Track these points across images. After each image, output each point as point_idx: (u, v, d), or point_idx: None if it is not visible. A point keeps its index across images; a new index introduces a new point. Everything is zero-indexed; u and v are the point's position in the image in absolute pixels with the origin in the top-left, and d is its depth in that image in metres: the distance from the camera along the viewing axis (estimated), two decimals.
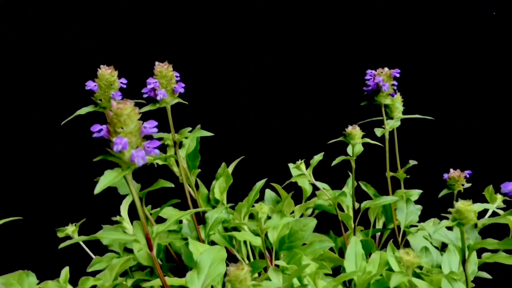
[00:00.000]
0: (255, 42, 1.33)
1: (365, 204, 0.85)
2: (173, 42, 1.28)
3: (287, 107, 1.32)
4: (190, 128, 0.86)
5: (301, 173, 0.89)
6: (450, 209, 0.58)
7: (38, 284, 0.50)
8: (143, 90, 0.71)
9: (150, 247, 0.53)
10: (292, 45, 1.35)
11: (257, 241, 0.78)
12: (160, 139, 0.77)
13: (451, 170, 0.94)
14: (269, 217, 0.89)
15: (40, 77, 1.24)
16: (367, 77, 0.89)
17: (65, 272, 0.54)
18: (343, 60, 1.34)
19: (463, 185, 0.92)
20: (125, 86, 0.73)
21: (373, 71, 0.89)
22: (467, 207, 0.56)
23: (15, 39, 1.25)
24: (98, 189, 0.48)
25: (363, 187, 1.00)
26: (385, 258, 0.80)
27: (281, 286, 0.63)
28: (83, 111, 0.70)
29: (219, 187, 0.94)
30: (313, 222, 0.86)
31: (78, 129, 0.89)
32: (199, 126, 0.89)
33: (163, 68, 0.71)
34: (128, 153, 0.50)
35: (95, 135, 0.51)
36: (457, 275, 0.75)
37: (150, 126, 0.52)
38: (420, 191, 1.03)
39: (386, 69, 0.89)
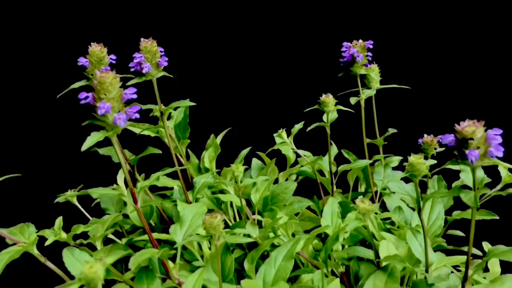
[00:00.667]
0: (237, 15, 1.38)
1: (342, 167, 0.92)
2: (160, 20, 1.34)
3: (274, 80, 1.38)
4: (182, 102, 0.93)
5: (283, 141, 0.96)
6: (404, 163, 0.64)
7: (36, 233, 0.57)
8: (130, 64, 0.78)
9: (135, 200, 0.61)
10: (275, 19, 1.41)
11: (238, 201, 0.85)
12: (137, 106, 0.84)
13: (425, 135, 1.00)
14: (254, 184, 0.96)
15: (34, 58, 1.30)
16: (343, 49, 0.95)
17: (59, 221, 0.61)
18: (329, 35, 1.39)
19: (435, 148, 0.98)
20: (114, 61, 0.79)
21: (349, 43, 0.95)
22: (418, 161, 0.62)
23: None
24: (84, 147, 0.55)
25: (345, 154, 1.06)
26: (359, 216, 0.87)
27: (254, 236, 0.70)
28: (76, 85, 0.77)
29: (208, 156, 1.01)
30: (293, 185, 0.93)
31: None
32: (188, 100, 0.96)
33: (147, 44, 0.77)
34: (111, 117, 0.57)
35: (82, 101, 0.58)
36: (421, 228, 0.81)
37: (130, 92, 0.59)
38: (400, 157, 1.10)
39: (360, 41, 0.95)
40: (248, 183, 0.78)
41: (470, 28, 1.51)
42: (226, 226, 0.90)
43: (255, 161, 1.05)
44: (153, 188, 1.02)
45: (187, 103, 0.81)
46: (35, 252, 0.54)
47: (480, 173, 0.85)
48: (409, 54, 1.51)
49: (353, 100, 0.93)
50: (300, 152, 0.97)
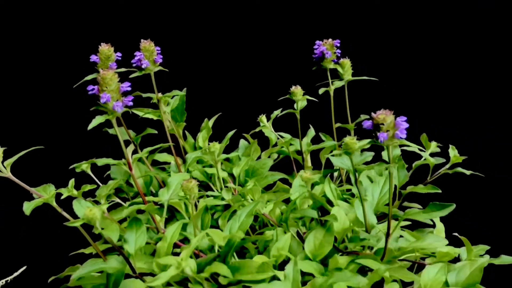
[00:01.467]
0: (229, 10, 1.53)
1: (311, 147, 1.09)
2: (156, 16, 1.49)
3: (260, 72, 1.54)
4: (176, 91, 1.11)
5: (263, 125, 1.13)
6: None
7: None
8: (132, 61, 0.96)
9: (130, 168, 0.79)
10: (267, 14, 1.56)
11: (223, 174, 1.03)
12: (132, 96, 1.03)
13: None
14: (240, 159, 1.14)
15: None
16: (315, 46, 1.11)
17: (71, 181, 0.80)
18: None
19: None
20: (119, 58, 0.98)
21: (320, 42, 1.11)
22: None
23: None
24: (90, 126, 0.73)
25: (322, 137, 1.23)
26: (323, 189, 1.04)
27: (227, 199, 0.88)
28: (89, 77, 0.95)
29: (202, 137, 1.19)
30: (269, 162, 1.10)
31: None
32: (185, 89, 1.14)
33: (146, 44, 0.96)
34: (111, 104, 0.75)
35: (89, 92, 0.77)
36: (370, 198, 0.98)
37: (125, 85, 0.77)
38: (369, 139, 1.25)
39: (330, 40, 1.11)
40: (224, 156, 0.96)
41: (470, 28, 1.60)
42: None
43: (242, 142, 1.23)
44: (156, 163, 1.21)
45: (178, 92, 0.99)
46: (54, 204, 0.73)
47: (396, 151, 1.01)
48: (409, 54, 1.62)
49: (321, 91, 1.09)
50: (278, 134, 1.15)
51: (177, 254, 0.79)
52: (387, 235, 0.82)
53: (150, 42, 0.96)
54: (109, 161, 0.78)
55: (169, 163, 1.17)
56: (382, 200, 1.02)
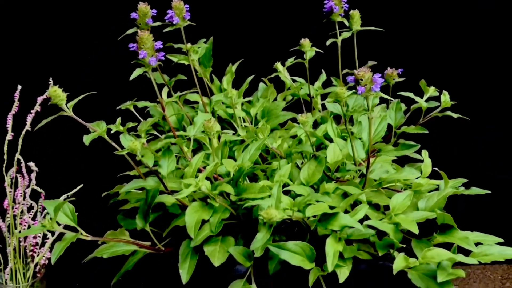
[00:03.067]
0: None
1: (318, 92, 1.27)
2: None
3: (281, 24, 1.66)
4: (204, 40, 1.30)
5: (279, 71, 1.31)
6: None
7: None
8: (165, 17, 1.14)
9: (163, 109, 1.00)
10: None
11: (241, 113, 1.23)
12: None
13: (388, 68, 1.31)
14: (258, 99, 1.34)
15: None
16: (325, 1, 1.26)
17: (118, 120, 1.02)
18: None
19: (394, 79, 1.30)
20: (155, 14, 1.16)
21: None
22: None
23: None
24: (133, 76, 0.94)
25: (334, 81, 1.40)
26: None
27: (242, 135, 1.09)
28: (130, 31, 1.14)
29: (227, 80, 1.38)
30: (282, 103, 1.29)
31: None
32: (211, 38, 1.33)
33: (177, 3, 1.13)
34: (147, 59, 0.95)
35: (131, 48, 0.97)
36: (365, 136, 1.16)
37: (158, 44, 0.96)
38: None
39: None
40: (240, 101, 1.15)
41: (470, 28, 1.62)
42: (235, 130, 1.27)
43: (261, 85, 1.41)
44: (188, 102, 1.41)
45: (203, 44, 1.18)
46: (106, 136, 0.95)
47: (375, 100, 1.18)
48: (409, 54, 1.67)
49: (328, 42, 1.25)
50: (293, 78, 1.32)
51: None
52: (367, 167, 1.01)
53: (180, 1, 1.14)
54: (147, 103, 0.99)
55: (198, 103, 1.37)
56: (375, 139, 1.20)
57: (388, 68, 1.32)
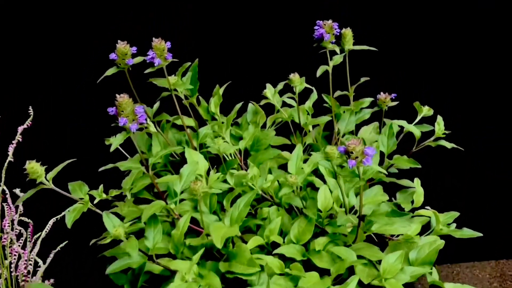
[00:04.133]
0: None
1: (306, 122, 1.23)
2: None
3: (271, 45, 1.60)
4: (188, 63, 1.24)
5: (268, 97, 1.26)
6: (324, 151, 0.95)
7: None
8: (146, 58, 1.08)
9: (147, 169, 0.96)
10: None
11: (230, 149, 1.19)
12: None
13: (381, 93, 1.27)
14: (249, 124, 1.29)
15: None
16: (316, 27, 1.19)
17: (101, 187, 0.99)
18: None
19: (387, 106, 1.26)
20: (135, 51, 1.09)
21: (320, 22, 1.19)
22: (331, 151, 0.93)
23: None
24: (112, 148, 0.89)
25: (325, 98, 1.35)
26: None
27: (231, 184, 1.05)
28: (109, 72, 1.08)
29: (214, 103, 1.33)
30: (272, 133, 1.25)
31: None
32: (196, 61, 1.27)
33: (157, 43, 1.06)
34: (127, 126, 0.90)
35: (110, 113, 0.92)
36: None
37: (139, 109, 0.91)
38: (371, 99, 1.36)
39: (329, 21, 1.18)
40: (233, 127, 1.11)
41: (470, 28, 1.58)
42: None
43: (250, 106, 1.36)
44: (175, 126, 1.36)
45: (187, 78, 1.13)
46: (90, 206, 0.93)
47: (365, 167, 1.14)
48: (408, 54, 1.62)
49: (319, 72, 1.19)
50: (284, 100, 1.27)
51: (194, 232, 0.99)
52: (358, 224, 0.99)
53: (161, 41, 1.07)
54: (131, 166, 0.95)
55: (189, 126, 1.31)
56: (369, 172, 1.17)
57: (381, 93, 1.27)
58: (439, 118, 1.24)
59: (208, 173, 1.14)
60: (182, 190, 1.00)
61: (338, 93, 1.31)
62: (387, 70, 1.33)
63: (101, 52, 1.48)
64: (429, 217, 1.19)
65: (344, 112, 1.31)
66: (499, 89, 1.68)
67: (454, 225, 1.16)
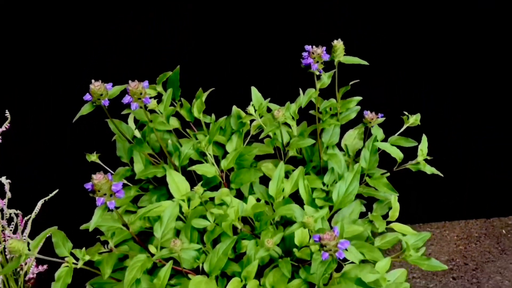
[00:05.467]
0: None
1: (289, 145, 1.21)
2: None
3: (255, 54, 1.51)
4: (169, 72, 1.19)
5: (251, 114, 1.23)
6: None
7: None
8: (123, 101, 1.03)
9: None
10: None
11: (211, 170, 1.20)
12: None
13: (368, 112, 1.24)
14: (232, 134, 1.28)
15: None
16: (304, 54, 1.11)
17: (83, 250, 1.01)
18: None
19: (372, 125, 1.24)
20: (111, 88, 1.04)
21: (309, 48, 1.11)
22: (308, 220, 0.95)
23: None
24: (92, 226, 0.91)
25: (311, 112, 1.30)
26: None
27: (209, 224, 1.09)
28: (85, 111, 1.04)
29: (197, 107, 1.29)
30: (255, 150, 1.24)
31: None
32: (178, 68, 1.21)
33: (133, 87, 1.01)
34: (105, 203, 0.91)
35: (88, 189, 0.91)
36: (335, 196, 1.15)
37: (116, 187, 0.90)
38: (359, 98, 1.32)
39: (318, 49, 1.10)
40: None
41: (470, 28, 1.49)
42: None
43: (234, 109, 1.32)
44: None
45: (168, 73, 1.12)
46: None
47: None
48: (408, 54, 1.55)
49: (305, 98, 1.15)
50: (261, 122, 1.24)
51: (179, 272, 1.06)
52: (330, 278, 1.05)
53: (138, 84, 1.01)
54: (112, 226, 0.97)
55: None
56: (347, 198, 1.20)
57: (368, 112, 1.24)
58: (423, 142, 1.23)
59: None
60: (162, 238, 1.04)
61: (325, 104, 1.27)
62: (387, 70, 1.29)
63: (101, 52, 1.50)
64: (401, 233, 1.26)
65: (330, 124, 1.28)
66: (498, 89, 1.65)
67: (423, 250, 1.22)
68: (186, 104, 1.32)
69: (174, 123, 1.30)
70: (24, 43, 1.55)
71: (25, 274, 1.42)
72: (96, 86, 1.00)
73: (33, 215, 1.41)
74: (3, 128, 1.28)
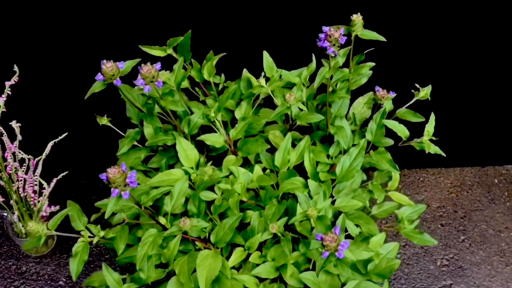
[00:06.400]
0: None
1: (297, 121, 1.22)
2: None
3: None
4: (180, 38, 1.17)
5: (263, 86, 1.22)
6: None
7: None
8: (136, 83, 1.02)
9: None
10: None
11: (219, 140, 1.22)
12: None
13: (379, 89, 1.23)
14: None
15: None
16: (321, 34, 1.08)
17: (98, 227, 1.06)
18: None
19: (383, 103, 1.24)
20: (122, 67, 1.03)
21: (327, 30, 1.07)
22: (311, 212, 1.00)
23: None
24: (107, 214, 0.95)
25: (324, 62, 1.29)
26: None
27: (217, 196, 1.14)
28: (97, 89, 1.04)
29: (207, 70, 1.28)
30: (263, 120, 1.25)
31: None
32: (189, 32, 1.19)
33: (145, 71, 1.00)
34: (120, 193, 0.94)
35: (104, 180, 0.94)
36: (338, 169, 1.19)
37: (131, 179, 0.94)
38: (372, 63, 1.31)
39: (336, 34, 1.06)
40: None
41: (472, 27, 1.48)
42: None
43: (245, 72, 1.31)
44: None
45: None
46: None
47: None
48: (408, 53, 1.54)
49: (317, 83, 1.13)
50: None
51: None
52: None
53: (150, 69, 1.00)
54: (125, 205, 1.02)
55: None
56: (350, 173, 1.24)
57: (379, 89, 1.24)
58: (431, 122, 1.24)
59: (197, 165, 1.21)
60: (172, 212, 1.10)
61: (338, 75, 1.25)
62: (388, 69, 1.27)
63: (101, 52, 1.43)
64: (399, 204, 1.32)
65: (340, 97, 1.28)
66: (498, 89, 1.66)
67: (418, 222, 1.29)
68: (196, 65, 1.30)
69: (184, 83, 1.29)
70: (24, 43, 1.51)
71: (39, 211, 1.50)
72: (108, 67, 0.99)
73: (43, 155, 1.45)
74: (12, 82, 1.28)
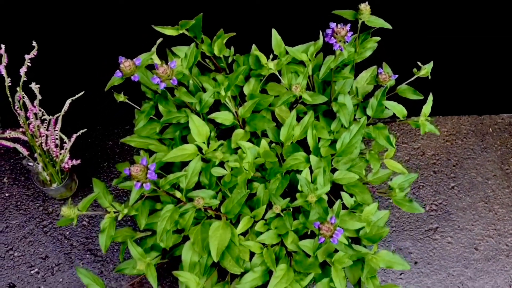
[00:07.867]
0: None
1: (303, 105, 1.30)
2: None
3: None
4: (192, 21, 1.22)
5: (270, 68, 1.28)
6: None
7: None
8: (152, 81, 1.09)
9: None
10: None
11: (229, 118, 1.31)
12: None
13: (382, 71, 1.29)
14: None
15: None
16: (327, 32, 1.12)
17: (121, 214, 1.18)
18: None
19: (385, 85, 1.30)
20: (139, 64, 1.09)
21: (334, 27, 1.11)
22: (311, 199, 1.12)
23: None
24: (132, 200, 1.08)
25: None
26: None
27: (226, 173, 1.26)
28: (116, 82, 1.11)
29: (217, 47, 1.33)
30: (271, 98, 1.33)
31: None
32: (200, 15, 1.23)
33: (161, 72, 1.06)
34: (143, 186, 1.06)
35: (127, 174, 1.05)
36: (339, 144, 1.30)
37: (151, 175, 1.05)
38: (378, 38, 1.35)
39: (342, 32, 1.10)
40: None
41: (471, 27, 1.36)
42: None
43: (254, 48, 1.36)
44: None
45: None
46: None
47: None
48: (408, 53, 1.55)
49: (322, 74, 1.19)
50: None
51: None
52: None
53: (165, 68, 1.06)
54: None
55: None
56: (350, 149, 1.34)
57: (382, 72, 1.30)
58: (428, 103, 1.31)
59: (208, 141, 1.31)
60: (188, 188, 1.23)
61: (343, 56, 1.30)
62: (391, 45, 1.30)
63: (101, 52, 1.49)
64: (394, 172, 1.44)
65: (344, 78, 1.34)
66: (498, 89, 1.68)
67: (408, 190, 1.42)
68: (206, 40, 1.35)
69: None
70: (24, 43, 1.48)
71: (61, 161, 1.63)
72: (126, 66, 1.06)
73: (62, 112, 1.56)
74: (31, 55, 1.34)
